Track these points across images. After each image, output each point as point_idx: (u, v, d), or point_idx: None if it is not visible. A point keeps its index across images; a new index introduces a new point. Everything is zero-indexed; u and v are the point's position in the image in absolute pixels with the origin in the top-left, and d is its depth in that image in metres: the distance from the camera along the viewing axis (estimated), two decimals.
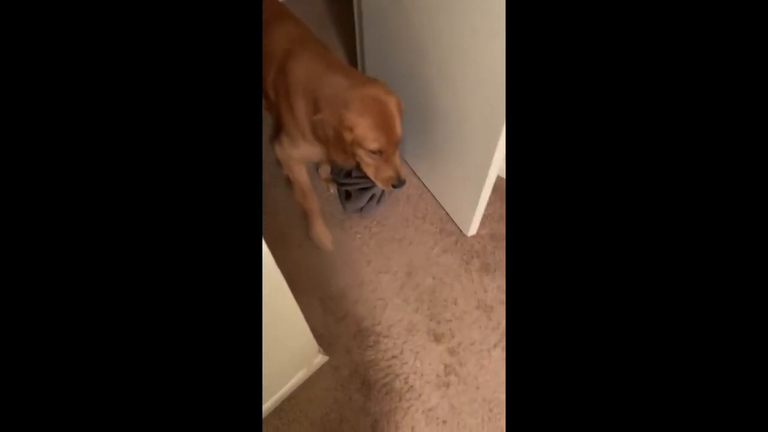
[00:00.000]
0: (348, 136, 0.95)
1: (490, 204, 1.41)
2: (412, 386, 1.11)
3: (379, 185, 1.09)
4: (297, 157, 1.22)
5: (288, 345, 0.94)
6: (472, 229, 1.37)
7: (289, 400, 1.07)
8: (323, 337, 1.17)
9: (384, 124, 0.95)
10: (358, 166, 1.13)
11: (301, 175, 1.27)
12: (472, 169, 1.16)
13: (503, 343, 1.19)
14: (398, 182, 1.04)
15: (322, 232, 1.31)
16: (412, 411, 1.08)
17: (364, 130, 0.94)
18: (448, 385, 1.12)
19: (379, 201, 1.36)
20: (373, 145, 0.97)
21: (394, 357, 1.16)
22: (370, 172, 1.06)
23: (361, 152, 1.00)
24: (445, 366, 1.15)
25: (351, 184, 1.34)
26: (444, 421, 1.07)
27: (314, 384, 1.10)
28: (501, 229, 1.45)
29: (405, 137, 1.09)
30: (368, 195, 1.32)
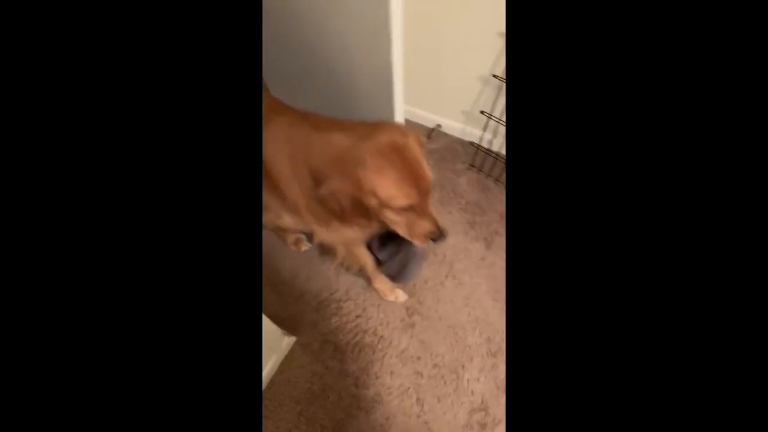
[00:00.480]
0: (372, 201, 0.77)
1: None
2: (381, 336, 1.17)
3: (416, 242, 0.89)
4: (282, 225, 1.03)
5: None
6: None
7: (269, 388, 1.09)
8: (286, 320, 1.19)
9: (411, 174, 0.75)
10: (385, 230, 0.94)
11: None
12: (382, 117, 1.18)
13: (452, 272, 1.27)
14: (438, 235, 0.85)
15: (296, 238, 1.24)
16: (387, 358, 1.14)
17: (390, 189, 0.75)
18: (413, 325, 1.19)
19: (421, 258, 1.17)
20: (404, 202, 0.77)
21: (358, 316, 1.21)
22: (401, 230, 0.87)
23: (389, 213, 0.81)
24: (407, 309, 1.22)
25: (385, 260, 1.17)
26: (418, 357, 1.14)
27: (289, 365, 1.13)
28: None
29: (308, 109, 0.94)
30: (409, 260, 1.15)
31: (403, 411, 1.06)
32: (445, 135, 1.66)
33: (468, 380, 1.10)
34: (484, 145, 1.53)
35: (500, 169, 1.51)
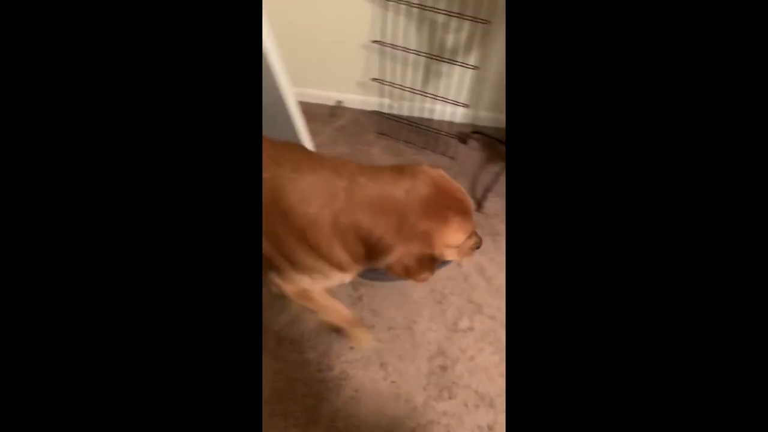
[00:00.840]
0: (444, 252, 0.76)
1: (317, 134, 1.46)
2: None
3: (465, 259, 0.91)
4: (322, 288, 0.93)
5: None
6: None
7: None
8: None
9: (462, 207, 0.74)
10: None
11: (323, 297, 0.99)
12: (274, 106, 1.16)
13: None
14: (480, 243, 0.88)
15: (364, 335, 1.15)
16: (343, 336, 1.17)
17: (457, 233, 0.74)
18: (361, 297, 1.23)
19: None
20: (463, 238, 0.77)
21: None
22: (452, 257, 0.87)
23: (448, 251, 0.80)
24: (351, 284, 1.25)
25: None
26: (372, 326, 1.18)
27: None
28: (341, 149, 1.53)
29: None
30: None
31: (370, 379, 1.10)
32: (349, 110, 1.67)
33: (422, 332, 1.17)
34: (386, 111, 1.57)
35: (407, 131, 1.55)
